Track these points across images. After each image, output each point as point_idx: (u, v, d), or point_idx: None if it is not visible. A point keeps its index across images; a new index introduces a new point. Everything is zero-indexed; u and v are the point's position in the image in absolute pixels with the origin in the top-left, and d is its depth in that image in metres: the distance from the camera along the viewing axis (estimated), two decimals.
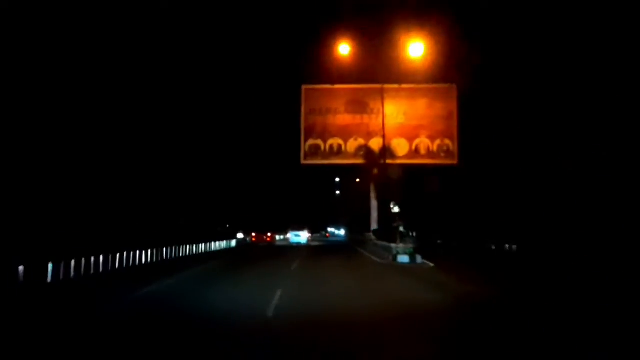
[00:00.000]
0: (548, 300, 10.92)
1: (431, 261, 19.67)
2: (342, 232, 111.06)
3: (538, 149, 26.94)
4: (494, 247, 29.68)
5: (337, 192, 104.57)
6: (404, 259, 20.13)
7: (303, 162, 34.94)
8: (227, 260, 24.38)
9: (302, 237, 48.04)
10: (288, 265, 19.06)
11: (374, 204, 34.91)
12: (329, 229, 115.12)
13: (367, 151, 33.92)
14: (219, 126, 40.62)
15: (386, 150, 32.05)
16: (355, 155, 34.51)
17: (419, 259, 20.12)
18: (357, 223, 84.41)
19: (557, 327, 7.92)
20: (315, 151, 34.87)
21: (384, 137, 29.87)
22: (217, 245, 33.98)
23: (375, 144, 34.07)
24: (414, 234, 30.48)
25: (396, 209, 23.79)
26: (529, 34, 27.57)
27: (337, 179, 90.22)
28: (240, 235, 43.55)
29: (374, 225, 34.20)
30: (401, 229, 21.40)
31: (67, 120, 17.18)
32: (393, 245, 21.42)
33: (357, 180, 45.50)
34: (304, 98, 35.39)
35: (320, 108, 35.24)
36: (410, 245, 20.73)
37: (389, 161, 32.84)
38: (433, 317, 8.71)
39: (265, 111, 40.36)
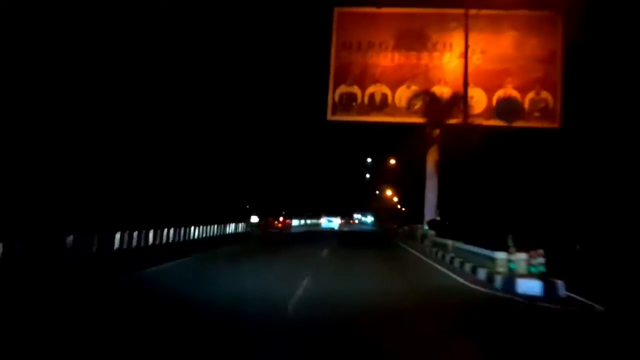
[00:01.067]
0: None
1: (584, 293, 9.00)
2: (370, 219, 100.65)
3: None
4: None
5: (367, 176, 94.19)
6: (529, 285, 9.42)
7: (330, 117, 24.29)
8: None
9: (335, 223, 49.53)
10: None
11: (431, 184, 24.05)
12: (355, 215, 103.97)
13: (427, 103, 23.05)
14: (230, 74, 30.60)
15: (461, 102, 21.29)
16: (408, 109, 23.69)
17: (560, 287, 9.38)
18: (390, 211, 74.25)
19: None
20: (348, 103, 24.17)
21: (465, 82, 19.09)
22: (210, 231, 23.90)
23: (439, 94, 23.20)
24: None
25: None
26: None
27: (369, 160, 79.55)
28: (254, 219, 33.44)
29: (429, 214, 23.45)
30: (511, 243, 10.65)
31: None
32: (499, 255, 10.73)
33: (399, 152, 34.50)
34: (336, 26, 24.61)
35: (358, 42, 24.43)
36: (540, 259, 10.01)
37: (450, 121, 22.17)
38: None
39: (284, 49, 29.62)
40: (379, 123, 24.44)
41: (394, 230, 37.18)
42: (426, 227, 22.80)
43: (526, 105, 23.37)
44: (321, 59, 25.01)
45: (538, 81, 23.36)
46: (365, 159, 73.95)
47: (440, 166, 23.91)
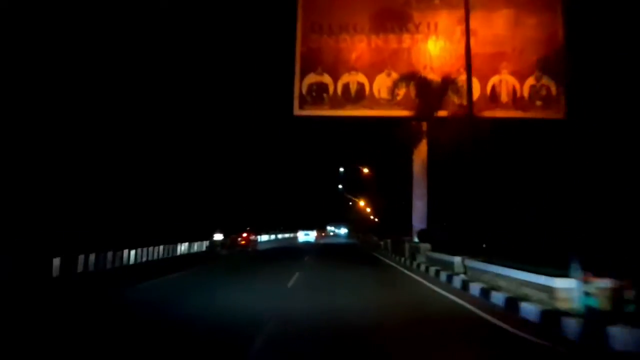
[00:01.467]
0: None
1: None
2: (343, 230, 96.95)
3: None
4: None
5: (340, 186, 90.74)
6: (625, 337, 5.68)
7: (298, 112, 20.38)
8: None
9: (312, 236, 50.44)
10: None
11: (419, 189, 20.31)
12: (329, 228, 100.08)
13: (413, 93, 19.47)
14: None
15: (452, 90, 17.92)
16: (390, 100, 20.03)
17: None
18: (365, 222, 70.87)
19: None
20: (319, 94, 20.34)
21: (468, 64, 15.64)
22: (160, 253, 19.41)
23: (425, 82, 19.66)
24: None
25: None
26: None
27: (342, 169, 76.05)
28: (218, 237, 28.96)
29: (419, 224, 19.72)
30: None
31: None
32: (562, 283, 6.95)
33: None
34: (301, 4, 20.88)
35: (329, 24, 20.73)
36: (629, 292, 6.31)
37: (441, 114, 18.79)
38: None
39: (244, 36, 25.63)
40: (356, 118, 20.67)
41: (375, 243, 33.36)
42: (416, 240, 19.04)
43: (525, 93, 20.08)
44: (287, 45, 21.21)
45: (538, 66, 20.14)
46: (337, 167, 70.16)
47: (429, 168, 20.31)
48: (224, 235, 28.58)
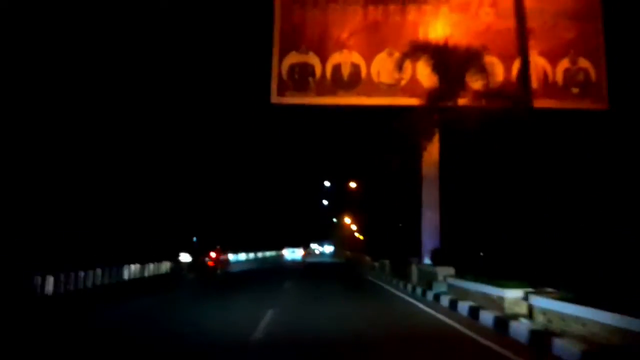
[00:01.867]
0: None
1: None
2: (328, 249, 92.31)
3: None
4: None
5: (325, 202, 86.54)
6: None
7: (277, 99, 16.10)
8: None
9: (297, 254, 49.72)
10: None
11: (430, 196, 16.05)
12: (312, 246, 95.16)
13: (424, 76, 15.48)
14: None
15: (472, 71, 14.09)
16: (392, 86, 16.00)
17: None
18: (355, 240, 66.75)
19: None
20: (303, 78, 16.17)
21: (522, 37, 11.93)
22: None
23: (438, 61, 15.63)
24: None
25: None
26: None
27: (327, 183, 71.91)
28: (184, 257, 24.34)
29: (430, 240, 15.45)
30: None
31: None
32: None
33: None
34: None
35: None
36: None
37: (459, 102, 14.94)
38: None
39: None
40: (350, 107, 16.55)
41: (368, 264, 28.97)
42: (427, 261, 14.81)
43: (559, 77, 16.25)
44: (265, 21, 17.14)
45: (572, 45, 16.38)
46: (322, 180, 65.98)
47: (445, 171, 16.22)
48: (193, 256, 23.97)
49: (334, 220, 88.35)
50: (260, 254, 59.59)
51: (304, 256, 50.12)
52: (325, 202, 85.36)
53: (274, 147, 48.05)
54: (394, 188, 21.74)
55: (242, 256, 47.25)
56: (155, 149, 25.34)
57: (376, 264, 25.08)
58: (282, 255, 54.46)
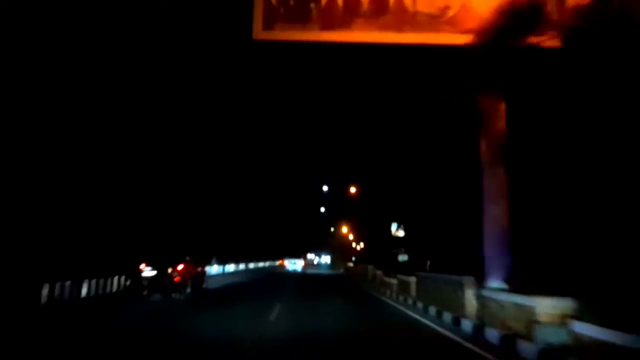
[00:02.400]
0: None
1: None
2: (325, 259, 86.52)
3: None
4: None
5: (322, 209, 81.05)
6: None
7: (261, 34, 10.60)
8: None
9: (298, 265, 52.46)
10: None
11: (493, 185, 10.53)
12: (309, 256, 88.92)
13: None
14: None
15: None
16: (435, 18, 10.57)
17: None
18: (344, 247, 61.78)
19: None
20: (300, 3, 10.77)
21: None
22: None
23: None
24: None
25: None
26: None
27: (325, 187, 66.50)
28: (148, 272, 18.29)
29: (494, 250, 9.93)
30: None
31: None
32: None
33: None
34: None
35: None
36: None
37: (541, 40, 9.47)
38: None
39: None
40: (372, 46, 11.01)
41: (377, 278, 23.26)
42: (495, 284, 9.28)
43: None
44: None
45: None
46: (321, 185, 60.67)
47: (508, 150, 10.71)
48: (157, 268, 18.17)
49: (331, 229, 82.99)
50: (252, 265, 54.07)
51: (304, 267, 53.35)
52: (322, 209, 79.98)
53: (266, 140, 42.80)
54: (427, 178, 16.21)
55: (231, 267, 41.67)
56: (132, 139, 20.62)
57: (389, 279, 19.33)
58: (279, 266, 57.65)
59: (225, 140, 39.05)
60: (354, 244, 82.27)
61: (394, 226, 34.44)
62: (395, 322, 11.43)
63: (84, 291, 14.43)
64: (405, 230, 32.57)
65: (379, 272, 23.24)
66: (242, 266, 47.28)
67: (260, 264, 60.83)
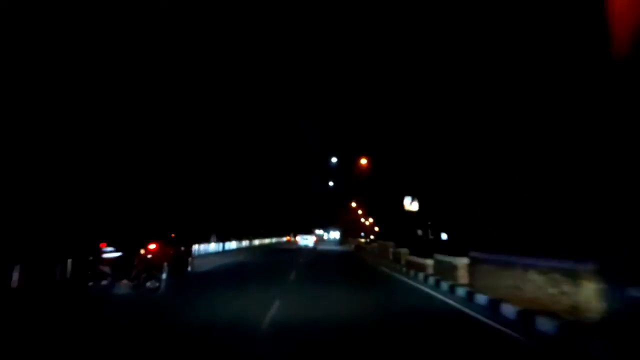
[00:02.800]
0: None
1: None
2: (334, 235, 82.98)
3: None
4: None
5: (331, 183, 76.93)
6: None
7: None
8: None
9: (310, 241, 53.16)
10: None
11: None
12: (317, 232, 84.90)
13: None
14: None
15: None
16: None
17: None
18: (354, 223, 59.19)
19: None
20: None
21: None
22: None
23: None
24: None
25: None
26: None
27: (334, 159, 62.07)
28: (110, 253, 13.93)
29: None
30: None
31: None
32: None
33: None
34: None
35: None
36: None
37: None
38: None
39: None
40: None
41: (405, 260, 18.86)
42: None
43: None
44: None
45: None
46: (329, 157, 56.55)
47: None
48: (123, 250, 13.99)
49: (341, 204, 79.39)
50: (257, 242, 50.66)
51: (315, 242, 54.32)
52: (331, 183, 76.00)
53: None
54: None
55: (232, 245, 38.00)
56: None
57: (426, 261, 15.06)
58: (286, 242, 59.81)
59: (232, 113, 35.33)
60: (362, 219, 78.59)
61: (407, 199, 30.65)
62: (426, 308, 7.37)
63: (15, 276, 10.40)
64: (420, 204, 28.73)
65: (403, 251, 19.11)
66: (245, 243, 43.62)
67: (267, 241, 57.30)
